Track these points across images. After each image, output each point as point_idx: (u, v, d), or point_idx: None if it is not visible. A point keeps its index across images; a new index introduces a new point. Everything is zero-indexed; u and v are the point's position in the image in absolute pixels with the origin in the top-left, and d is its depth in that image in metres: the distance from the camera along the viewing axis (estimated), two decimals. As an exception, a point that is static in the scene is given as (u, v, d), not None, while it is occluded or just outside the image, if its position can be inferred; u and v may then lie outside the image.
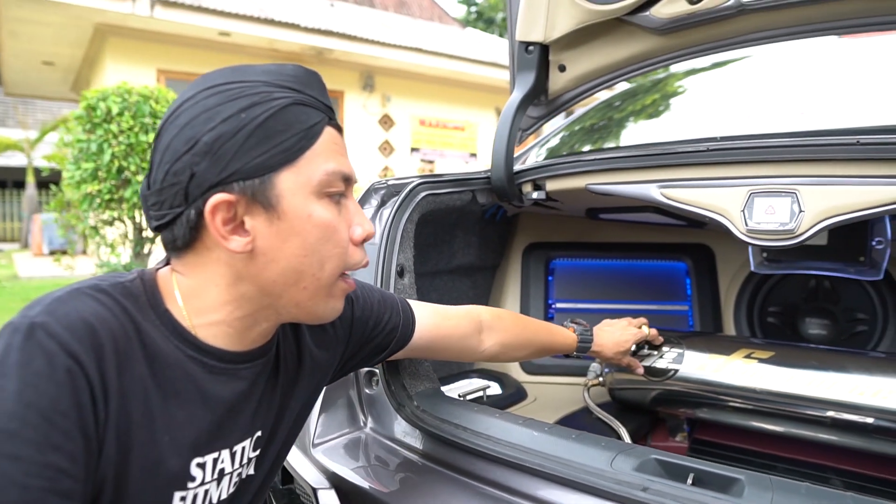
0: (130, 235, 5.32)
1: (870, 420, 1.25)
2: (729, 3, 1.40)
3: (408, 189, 1.43)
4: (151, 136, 4.83)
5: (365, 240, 0.78)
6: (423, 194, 1.46)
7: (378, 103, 11.03)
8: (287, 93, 0.70)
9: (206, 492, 0.74)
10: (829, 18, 1.34)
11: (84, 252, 9.89)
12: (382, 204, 1.44)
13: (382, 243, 1.34)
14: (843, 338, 1.74)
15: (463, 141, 12.15)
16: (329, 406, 1.26)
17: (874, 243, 1.50)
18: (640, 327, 1.48)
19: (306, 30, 9.20)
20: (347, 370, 1.04)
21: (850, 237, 1.51)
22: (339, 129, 0.77)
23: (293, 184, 0.70)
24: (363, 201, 1.45)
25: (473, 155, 12.19)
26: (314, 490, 1.08)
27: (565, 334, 1.37)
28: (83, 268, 7.51)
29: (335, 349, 0.95)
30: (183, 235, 0.70)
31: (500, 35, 21.51)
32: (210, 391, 0.73)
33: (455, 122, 12.01)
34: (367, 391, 1.25)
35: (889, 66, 1.37)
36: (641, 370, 1.50)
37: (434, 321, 1.11)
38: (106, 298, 0.66)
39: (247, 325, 0.75)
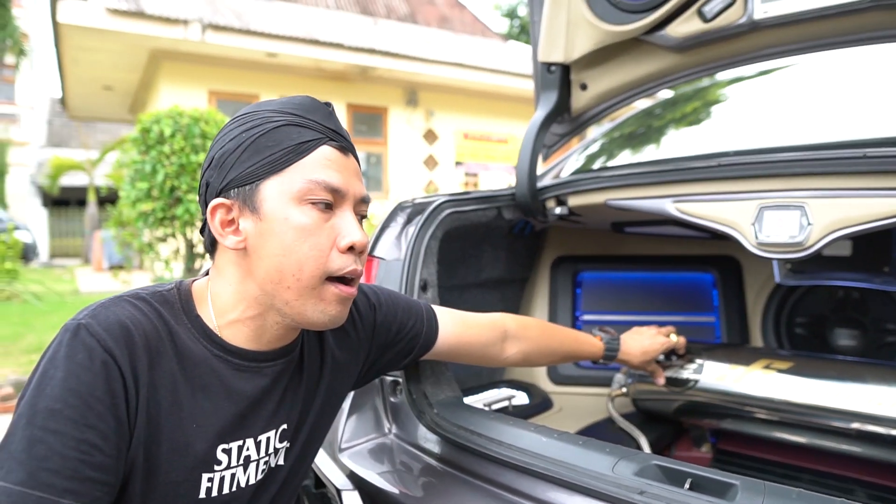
0: (182, 251, 5.54)
1: (894, 432, 1.25)
2: (742, 21, 1.43)
3: (431, 207, 1.50)
4: (202, 157, 5.05)
5: (351, 249, 0.83)
6: (447, 212, 1.53)
7: (422, 118, 11.20)
8: (285, 117, 0.82)
9: (234, 475, 0.84)
10: (838, 33, 1.36)
11: (140, 267, 10.30)
12: (408, 222, 1.51)
13: (406, 259, 1.41)
14: (873, 349, 1.73)
15: (506, 153, 12.21)
16: (356, 412, 1.34)
17: (899, 254, 1.50)
18: (668, 336, 1.52)
19: (350, 48, 9.43)
20: (374, 374, 1.11)
21: (875, 247, 1.51)
22: (344, 151, 0.85)
23: (276, 191, 0.80)
24: (389, 220, 1.53)
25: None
26: (339, 491, 1.15)
27: (592, 342, 1.41)
28: (139, 282, 7.84)
29: (357, 352, 1.03)
30: (207, 239, 0.85)
31: (544, 47, 21.49)
32: (234, 386, 0.83)
33: (498, 134, 12.08)
34: (391, 399, 1.32)
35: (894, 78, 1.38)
36: (663, 381, 1.53)
37: (457, 330, 1.18)
38: (143, 305, 0.78)
39: (259, 324, 0.84)
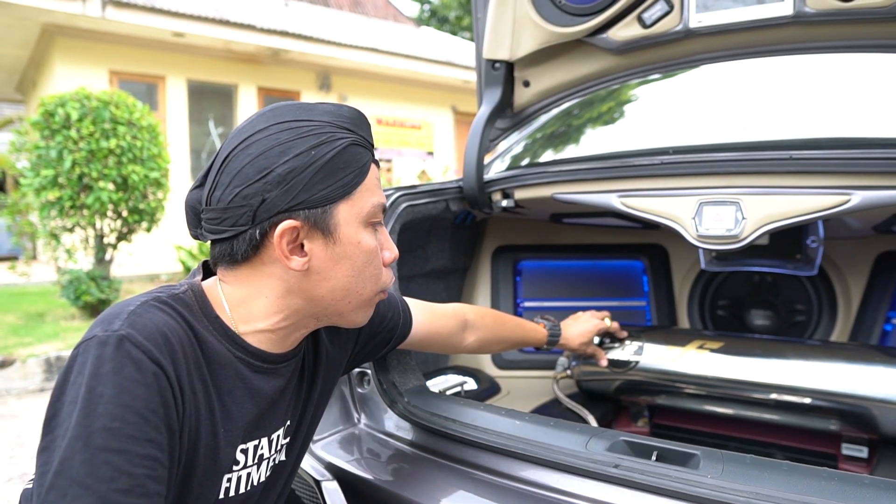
0: (91, 242, 5.26)
1: (807, 400, 1.42)
2: (678, 28, 1.55)
3: (390, 201, 1.54)
4: (113, 142, 4.79)
5: (392, 262, 0.90)
6: (403, 206, 1.57)
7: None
8: (346, 134, 0.81)
9: (249, 475, 0.86)
10: (764, 43, 1.50)
11: (35, 258, 9.65)
12: (366, 215, 1.54)
13: (369, 253, 1.44)
14: (784, 327, 1.92)
15: (420, 139, 12.25)
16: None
17: (809, 242, 1.67)
18: (602, 319, 1.63)
19: (262, 30, 9.16)
20: (357, 362, 1.15)
21: (788, 237, 1.68)
22: (378, 164, 0.88)
23: (348, 214, 0.81)
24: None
25: (430, 153, 12.30)
26: (318, 482, 1.18)
27: (537, 329, 1.51)
28: (40, 275, 7.36)
29: (347, 345, 1.07)
30: (244, 251, 0.80)
31: (454, 34, 21.66)
32: (256, 387, 0.84)
33: (412, 120, 12.09)
34: (359, 390, 1.36)
35: (819, 85, 1.54)
36: (605, 361, 1.64)
37: (426, 320, 1.23)
38: (170, 310, 0.76)
39: (288, 332, 0.86)
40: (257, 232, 0.78)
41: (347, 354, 1.08)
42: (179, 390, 0.72)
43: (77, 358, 0.69)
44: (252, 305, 0.83)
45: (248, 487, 0.86)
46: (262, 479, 0.89)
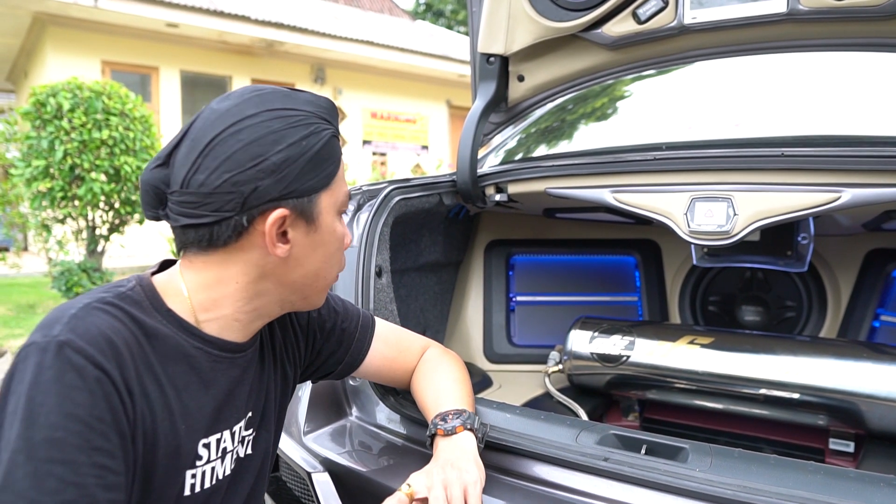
0: (84, 234, 5.23)
1: (796, 395, 1.43)
2: (672, 24, 1.55)
3: (383, 195, 1.54)
4: (105, 133, 4.75)
5: (349, 246, 0.94)
6: (396, 199, 1.57)
7: (329, 96, 10.96)
8: (327, 126, 0.83)
9: (213, 469, 0.85)
10: (758, 40, 1.51)
11: (25, 249, 9.61)
12: (359, 208, 1.55)
13: (362, 246, 1.44)
14: (774, 323, 1.93)
15: (414, 133, 12.23)
16: (316, 398, 1.37)
17: (799, 239, 1.68)
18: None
19: (257, 22, 9.12)
20: (313, 370, 1.10)
21: (779, 234, 1.69)
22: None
23: (328, 203, 0.84)
24: (341, 206, 1.55)
25: (425, 147, 12.29)
26: (309, 474, 1.18)
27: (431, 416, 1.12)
28: (31, 266, 7.33)
29: (300, 343, 1.05)
30: (226, 237, 0.78)
31: (449, 27, 21.61)
32: (211, 379, 0.83)
33: (406, 114, 12.07)
34: (350, 383, 1.36)
35: (812, 83, 1.55)
36: None
37: (388, 330, 1.17)
38: (115, 310, 0.74)
39: (251, 318, 0.86)
40: (245, 219, 0.77)
41: (302, 352, 1.06)
42: (128, 394, 0.71)
43: (17, 365, 0.67)
44: (218, 290, 0.82)
45: (213, 482, 0.85)
46: (227, 472, 0.88)
